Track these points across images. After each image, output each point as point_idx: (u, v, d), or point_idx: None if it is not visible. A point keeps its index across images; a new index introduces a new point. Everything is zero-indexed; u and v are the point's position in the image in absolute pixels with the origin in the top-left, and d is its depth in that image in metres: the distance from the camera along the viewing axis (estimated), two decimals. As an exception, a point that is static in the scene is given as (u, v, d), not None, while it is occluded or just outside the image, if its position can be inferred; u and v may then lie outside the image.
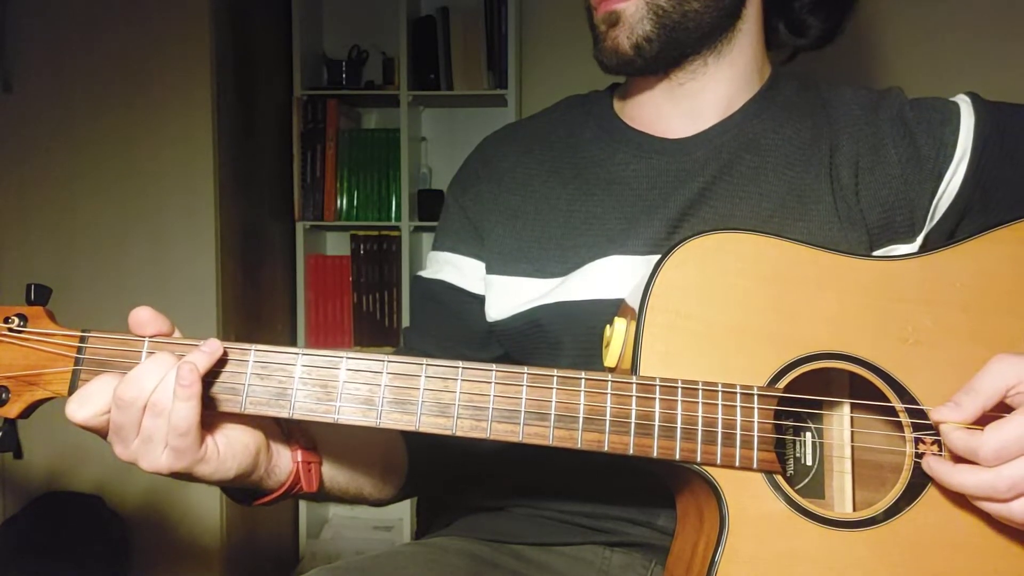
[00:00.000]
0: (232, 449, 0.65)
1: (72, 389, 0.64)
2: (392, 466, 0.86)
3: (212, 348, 0.62)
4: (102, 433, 0.63)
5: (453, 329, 0.93)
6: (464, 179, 0.96)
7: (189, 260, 1.93)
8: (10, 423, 0.65)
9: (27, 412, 0.65)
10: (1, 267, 1.90)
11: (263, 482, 0.69)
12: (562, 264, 0.85)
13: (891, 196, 0.81)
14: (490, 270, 0.90)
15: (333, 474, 0.76)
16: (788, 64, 0.96)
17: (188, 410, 0.60)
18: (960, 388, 0.65)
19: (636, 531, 0.82)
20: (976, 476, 0.60)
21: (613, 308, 0.75)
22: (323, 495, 0.76)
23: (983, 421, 0.61)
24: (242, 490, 0.70)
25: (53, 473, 1.88)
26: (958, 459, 0.62)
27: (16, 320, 0.65)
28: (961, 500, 0.64)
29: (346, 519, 2.52)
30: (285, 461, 0.70)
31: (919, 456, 0.65)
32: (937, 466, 0.63)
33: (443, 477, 0.92)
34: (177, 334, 0.66)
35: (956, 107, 0.84)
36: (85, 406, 0.61)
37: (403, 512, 2.42)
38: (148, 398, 0.60)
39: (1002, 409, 0.61)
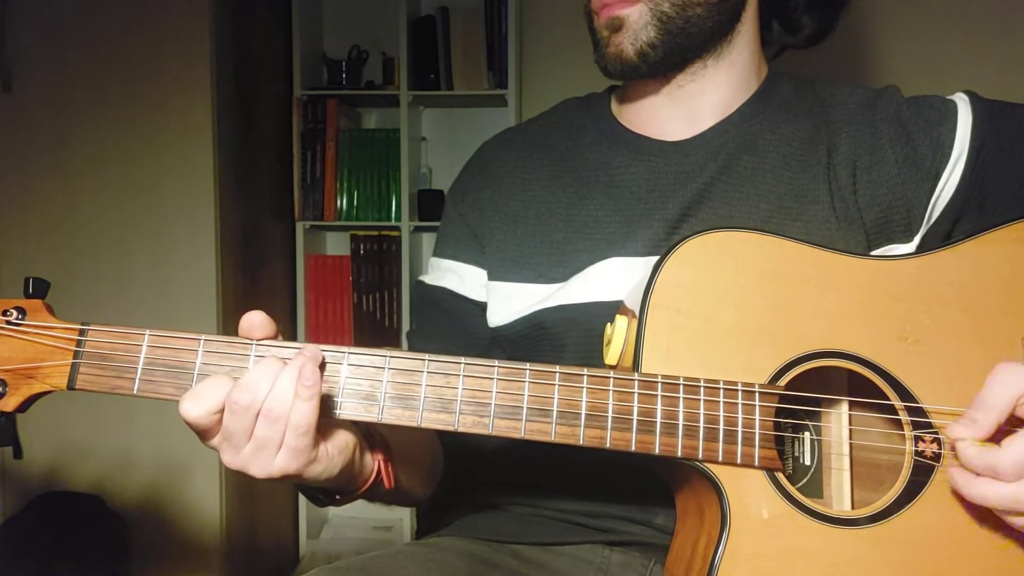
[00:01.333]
0: (336, 446, 0.65)
1: (71, 382, 0.63)
2: (436, 464, 0.87)
3: (315, 352, 0.62)
4: (209, 436, 0.62)
5: (456, 334, 0.93)
6: (463, 186, 0.96)
7: (189, 260, 1.92)
8: (7, 417, 0.64)
9: (24, 406, 0.64)
10: (1, 267, 1.90)
11: (354, 480, 0.69)
12: (563, 269, 0.85)
13: (888, 196, 0.81)
14: (492, 276, 0.90)
15: (398, 473, 0.76)
16: (776, 60, 0.96)
17: (309, 409, 0.60)
18: (959, 387, 0.65)
19: (635, 530, 0.82)
20: (998, 490, 0.60)
21: (614, 310, 0.75)
22: (391, 494, 0.75)
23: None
24: (322, 490, 0.70)
25: (53, 472, 1.88)
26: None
27: (15, 313, 0.63)
28: (960, 498, 0.64)
29: (346, 519, 2.51)
30: (368, 458, 0.70)
31: (919, 454, 0.65)
32: (959, 477, 0.62)
33: (456, 473, 0.92)
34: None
35: (954, 106, 0.84)
36: (199, 403, 0.60)
37: (403, 512, 2.42)
38: (262, 404, 0.60)
39: (1011, 419, 0.61)
